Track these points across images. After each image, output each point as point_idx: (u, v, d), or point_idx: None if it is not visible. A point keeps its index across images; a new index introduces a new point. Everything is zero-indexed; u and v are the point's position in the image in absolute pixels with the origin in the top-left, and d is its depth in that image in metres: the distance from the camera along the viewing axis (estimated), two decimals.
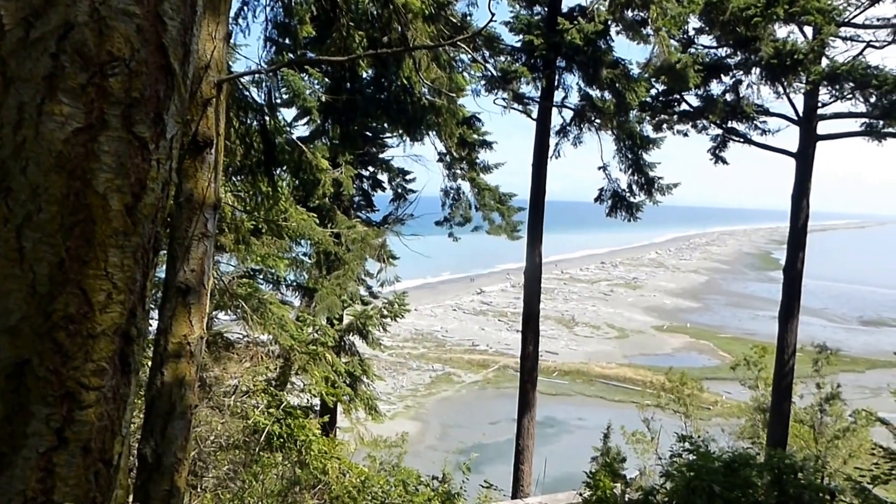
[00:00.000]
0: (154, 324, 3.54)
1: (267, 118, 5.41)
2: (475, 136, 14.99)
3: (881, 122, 14.80)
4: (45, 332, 1.11)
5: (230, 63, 5.54)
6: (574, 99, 15.17)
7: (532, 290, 15.58)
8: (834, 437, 17.58)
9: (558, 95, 15.10)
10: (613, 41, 14.13)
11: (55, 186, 1.11)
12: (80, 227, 1.12)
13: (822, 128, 15.95)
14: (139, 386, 5.18)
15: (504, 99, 14.60)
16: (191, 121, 3.28)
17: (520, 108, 15.24)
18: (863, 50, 14.75)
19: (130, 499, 3.37)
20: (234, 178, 6.76)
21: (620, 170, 15.75)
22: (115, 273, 1.17)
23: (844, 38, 14.96)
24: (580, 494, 7.49)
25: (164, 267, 3.43)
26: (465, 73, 12.31)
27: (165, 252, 3.49)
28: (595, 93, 14.61)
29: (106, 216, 1.14)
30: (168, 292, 3.36)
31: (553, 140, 15.54)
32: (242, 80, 5.17)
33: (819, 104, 15.59)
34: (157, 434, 3.24)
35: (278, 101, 11.05)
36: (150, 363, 3.43)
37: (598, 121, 15.02)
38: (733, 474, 5.71)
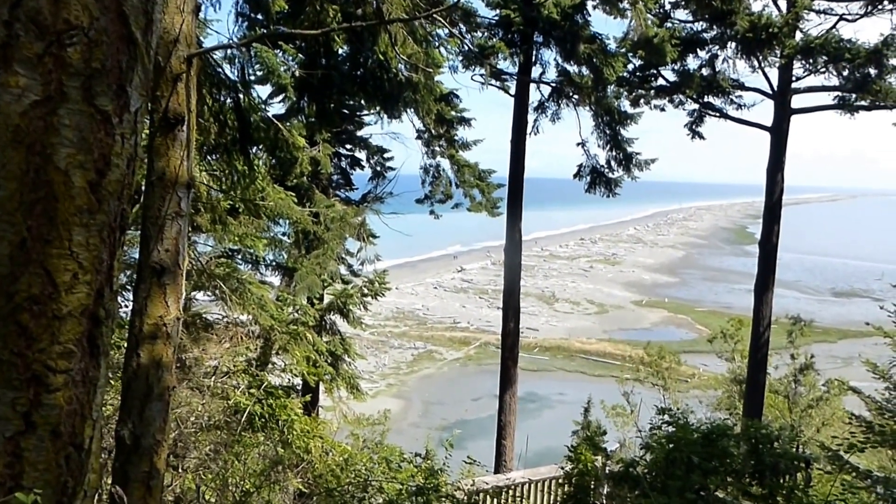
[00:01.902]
0: (129, 305, 3.49)
1: (241, 95, 5.30)
2: (453, 113, 14.85)
3: (853, 96, 14.95)
4: (8, 313, 1.07)
5: (201, 38, 5.41)
6: (552, 74, 15.10)
7: (512, 266, 15.64)
8: (808, 406, 18.00)
9: (536, 71, 15.01)
10: (590, 16, 14.04)
11: (13, 162, 1.06)
12: (41, 205, 1.08)
13: (796, 102, 16.10)
14: (114, 368, 5.11)
15: (482, 75, 14.50)
16: (161, 97, 3.20)
17: (497, 84, 15.15)
18: (836, 23, 14.85)
19: (109, 480, 3.34)
20: (208, 157, 6.63)
21: (599, 146, 15.76)
22: (81, 252, 1.13)
23: (818, 12, 15.04)
24: (562, 468, 7.58)
25: (139, 247, 3.38)
26: (441, 49, 12.17)
27: (139, 232, 3.43)
28: (573, 68, 14.54)
29: (69, 193, 1.10)
30: (142, 273, 3.30)
31: (531, 116, 15.48)
32: (215, 56, 5.05)
33: (793, 78, 15.70)
34: (135, 416, 3.20)
35: (252, 77, 10.83)
36: (125, 345, 3.37)
37: (575, 96, 14.97)
38: (711, 445, 5.81)
